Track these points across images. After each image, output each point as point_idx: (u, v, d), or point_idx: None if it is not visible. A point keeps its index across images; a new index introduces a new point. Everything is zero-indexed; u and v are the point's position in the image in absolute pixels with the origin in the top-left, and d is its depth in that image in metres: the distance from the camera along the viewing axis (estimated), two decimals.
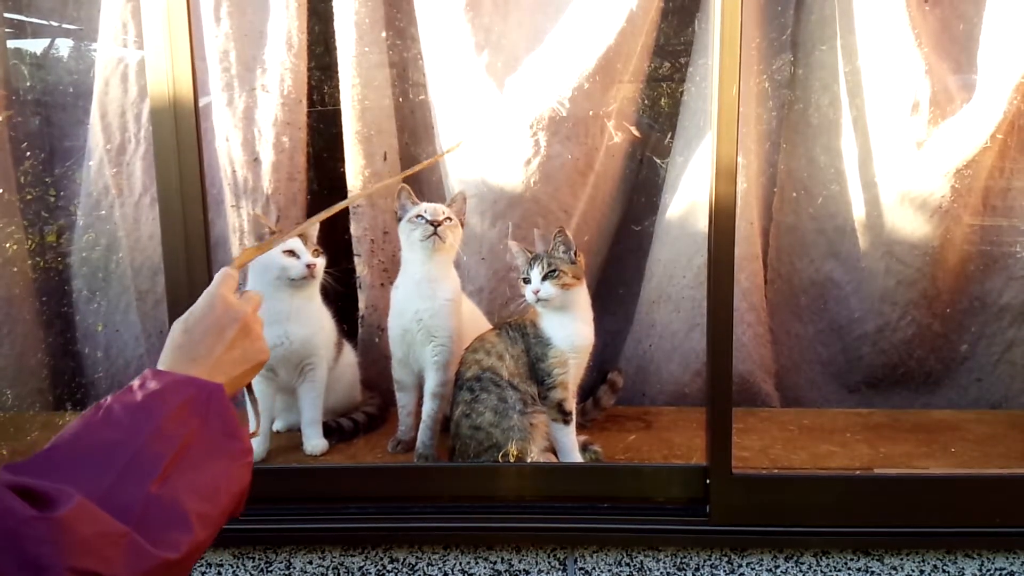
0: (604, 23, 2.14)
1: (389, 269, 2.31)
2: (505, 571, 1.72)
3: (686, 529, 1.67)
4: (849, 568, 1.67)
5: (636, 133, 2.40)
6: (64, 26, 2.48)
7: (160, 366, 0.90)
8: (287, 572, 1.74)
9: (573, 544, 1.70)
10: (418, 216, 1.90)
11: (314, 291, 1.98)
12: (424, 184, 2.40)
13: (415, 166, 1.55)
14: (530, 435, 1.80)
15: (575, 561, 1.71)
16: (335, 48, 2.22)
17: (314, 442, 1.99)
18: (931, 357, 2.39)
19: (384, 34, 2.27)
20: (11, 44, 2.49)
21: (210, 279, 0.99)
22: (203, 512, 0.80)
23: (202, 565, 1.75)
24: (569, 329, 1.84)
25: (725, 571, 1.69)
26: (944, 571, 1.67)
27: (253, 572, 1.74)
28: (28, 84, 2.53)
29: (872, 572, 1.67)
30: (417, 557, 1.72)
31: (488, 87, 2.19)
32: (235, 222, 2.30)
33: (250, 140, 2.25)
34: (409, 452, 1.96)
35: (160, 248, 1.70)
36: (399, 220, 1.95)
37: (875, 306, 2.35)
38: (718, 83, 1.56)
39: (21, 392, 2.39)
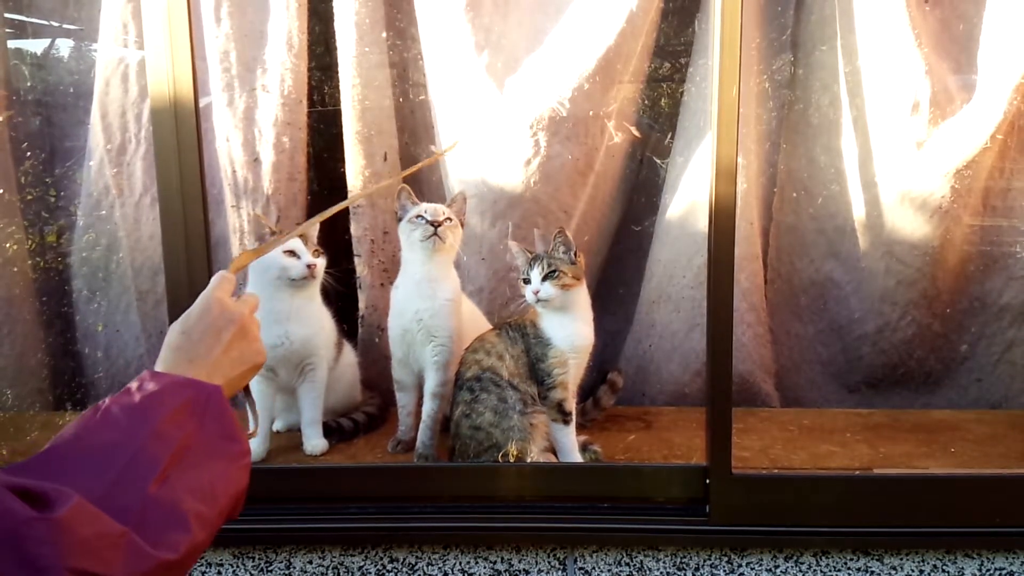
0: (604, 23, 2.14)
1: (389, 269, 2.31)
2: (505, 571, 1.72)
3: (686, 529, 1.67)
4: (849, 568, 1.68)
5: (636, 133, 2.40)
6: (65, 26, 2.48)
7: (158, 368, 0.90)
8: (287, 572, 1.74)
9: (573, 544, 1.70)
10: (418, 216, 1.90)
11: (314, 291, 1.99)
12: (424, 184, 2.40)
13: (413, 166, 1.55)
14: (530, 435, 1.80)
15: (575, 561, 1.71)
16: (335, 48, 2.22)
17: (314, 442, 1.99)
18: (931, 357, 2.39)
19: (384, 34, 2.27)
20: (12, 44, 2.49)
21: (210, 279, 0.99)
22: (201, 513, 0.81)
23: (202, 565, 1.75)
24: (569, 329, 1.84)
25: (725, 571, 1.69)
26: (944, 571, 1.67)
27: (253, 572, 1.74)
28: (29, 84, 2.53)
29: (872, 572, 1.67)
30: (417, 557, 1.72)
31: (488, 87, 2.20)
32: (235, 222, 2.30)
33: (250, 140, 2.25)
34: (409, 452, 1.96)
35: (160, 248, 1.70)
36: (399, 220, 1.95)
37: (875, 306, 2.35)
38: (718, 83, 1.56)
39: (21, 392, 2.39)
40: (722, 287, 1.62)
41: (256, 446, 1.94)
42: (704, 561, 1.69)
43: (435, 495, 1.75)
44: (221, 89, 2.22)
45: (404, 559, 1.73)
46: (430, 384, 1.95)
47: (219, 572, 1.75)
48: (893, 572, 1.67)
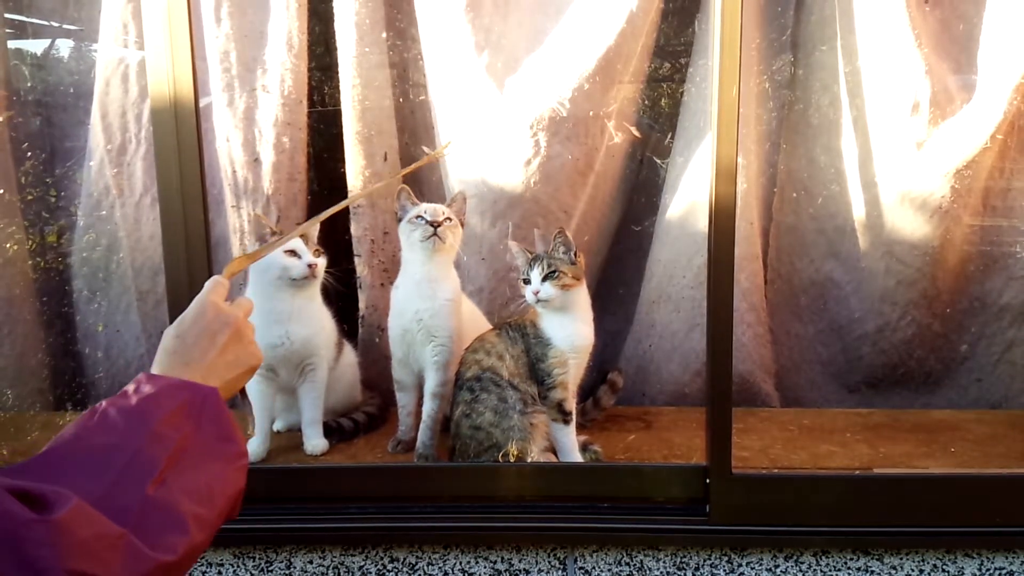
0: (604, 24, 2.14)
1: (389, 269, 2.31)
2: (505, 571, 1.72)
3: (686, 529, 1.68)
4: (849, 568, 1.68)
5: (636, 133, 2.40)
6: (65, 26, 2.48)
7: (154, 371, 0.91)
8: (287, 572, 1.74)
9: (573, 544, 1.70)
10: (418, 217, 1.90)
11: (315, 291, 1.99)
12: (424, 184, 2.41)
13: (410, 166, 1.55)
14: (530, 435, 1.80)
15: (575, 561, 1.71)
16: (335, 49, 2.22)
17: (314, 442, 1.99)
18: (931, 357, 2.39)
19: (384, 35, 2.27)
20: (12, 44, 2.49)
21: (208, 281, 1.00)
22: (199, 514, 0.81)
23: (202, 564, 1.75)
24: (569, 329, 1.84)
25: (725, 571, 1.69)
26: (944, 571, 1.67)
27: (253, 572, 1.74)
28: (29, 84, 2.53)
29: (872, 572, 1.67)
30: (417, 557, 1.72)
31: (488, 87, 2.20)
32: (235, 222, 2.30)
33: (250, 140, 2.25)
34: (409, 452, 1.96)
35: (161, 248, 1.70)
36: (399, 221, 1.95)
37: (875, 306, 2.35)
38: (718, 84, 1.56)
39: (21, 392, 2.40)
40: (722, 287, 1.62)
41: (256, 446, 1.94)
42: (704, 561, 1.69)
43: (435, 495, 1.75)
44: (221, 89, 2.23)
45: (404, 559, 1.73)
46: (430, 384, 1.95)
47: (219, 572, 1.75)
48: (893, 572, 1.67)
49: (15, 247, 2.39)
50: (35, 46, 2.54)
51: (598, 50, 2.14)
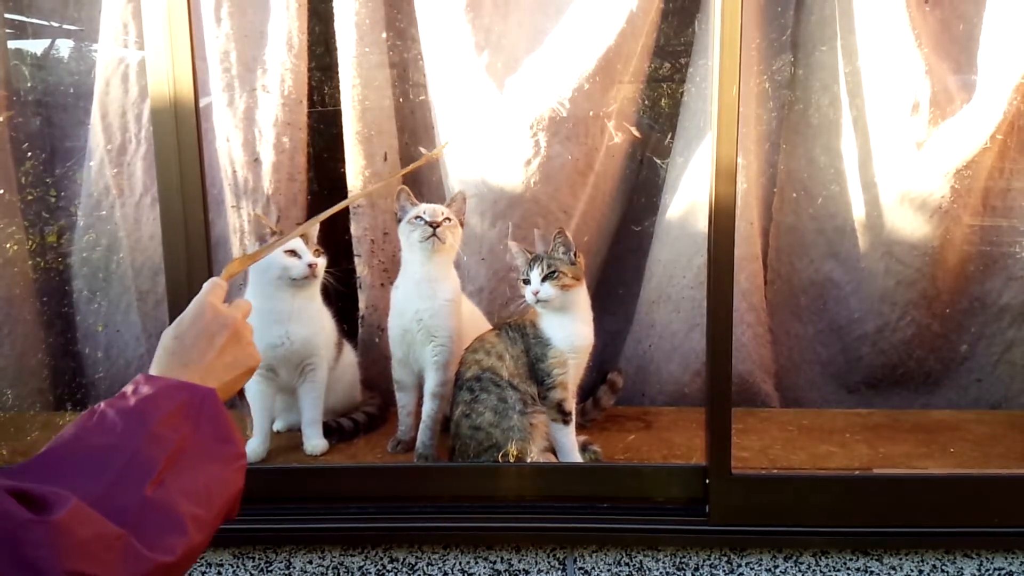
0: (604, 24, 2.14)
1: (389, 269, 2.31)
2: (505, 571, 1.72)
3: (686, 529, 1.68)
4: (848, 568, 1.68)
5: (636, 133, 2.40)
6: (65, 27, 2.48)
7: (152, 372, 0.91)
8: (287, 572, 1.74)
9: (573, 544, 1.70)
10: (417, 217, 1.90)
11: (315, 291, 1.99)
12: (424, 185, 2.41)
13: (408, 166, 1.55)
14: (530, 435, 1.80)
15: (575, 561, 1.71)
16: (335, 49, 2.22)
17: (314, 442, 1.99)
18: (931, 357, 2.39)
19: (384, 35, 2.27)
20: (12, 44, 2.49)
21: (211, 278, 1.00)
22: (197, 515, 0.81)
23: (202, 564, 1.75)
24: (569, 330, 1.84)
25: (724, 571, 1.69)
26: (943, 571, 1.67)
27: (253, 572, 1.75)
28: (29, 85, 2.53)
29: (871, 572, 1.68)
30: (417, 557, 1.72)
31: (488, 87, 2.20)
32: (235, 222, 2.30)
33: (251, 140, 2.25)
34: (409, 452, 1.96)
35: (161, 248, 1.70)
36: (399, 222, 1.95)
37: (875, 306, 2.35)
38: (718, 84, 1.56)
39: (21, 392, 2.40)
40: (722, 287, 1.62)
41: (256, 446, 1.94)
42: (704, 561, 1.69)
43: (435, 495, 1.75)
44: (221, 89, 2.23)
45: (404, 559, 1.73)
46: (430, 384, 1.96)
47: (219, 572, 1.75)
48: (892, 572, 1.67)
49: (15, 247, 2.39)
50: (35, 46, 2.54)
51: (598, 50, 2.14)
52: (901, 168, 2.23)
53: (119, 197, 2.35)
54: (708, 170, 1.61)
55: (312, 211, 2.35)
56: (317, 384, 2.01)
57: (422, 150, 2.34)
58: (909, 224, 2.27)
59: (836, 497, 1.69)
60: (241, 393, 1.06)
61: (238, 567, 1.75)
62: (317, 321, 2.01)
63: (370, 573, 1.73)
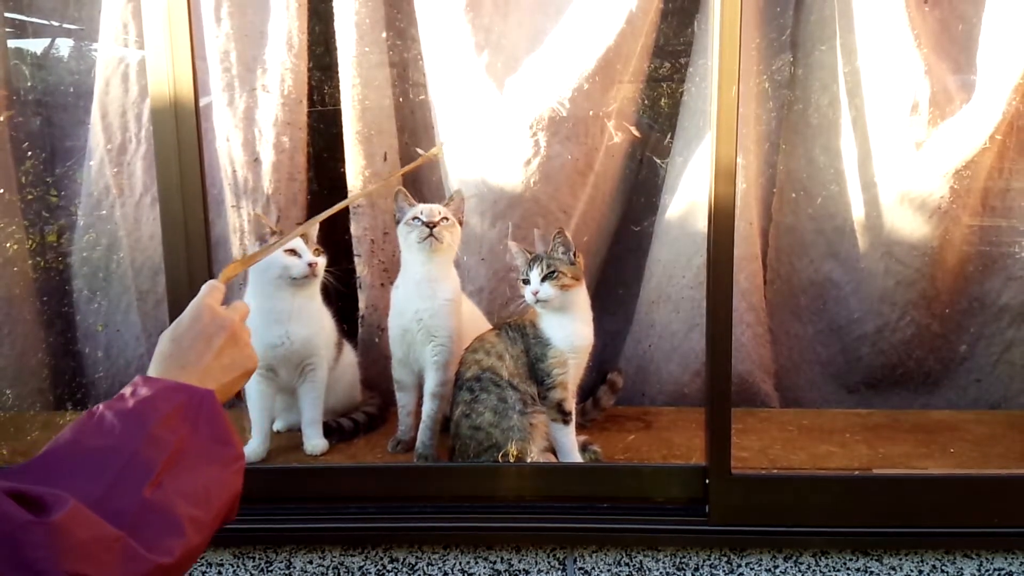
0: (604, 24, 2.14)
1: (389, 269, 2.31)
2: (505, 571, 1.72)
3: (685, 529, 1.68)
4: (848, 568, 1.68)
5: (636, 133, 2.40)
6: (65, 26, 2.48)
7: (150, 374, 0.91)
8: (287, 572, 1.74)
9: (573, 544, 1.70)
10: (414, 218, 1.90)
11: (315, 291, 1.99)
12: (424, 185, 2.41)
13: (407, 166, 1.55)
14: (530, 435, 1.80)
15: (575, 561, 1.71)
16: (335, 48, 2.22)
17: (314, 442, 1.99)
18: (930, 357, 2.39)
19: (384, 34, 2.27)
20: (12, 44, 2.49)
21: (211, 279, 1.00)
22: (196, 517, 0.81)
23: (202, 565, 1.75)
24: (568, 329, 1.84)
25: (724, 571, 1.69)
26: (943, 571, 1.67)
27: (253, 572, 1.75)
28: (29, 84, 2.53)
29: (871, 572, 1.68)
30: (417, 557, 1.73)
31: (488, 87, 2.20)
32: (235, 222, 2.30)
33: (250, 140, 2.25)
34: (409, 452, 1.97)
35: (161, 248, 1.70)
36: (397, 223, 1.95)
37: (874, 307, 2.35)
38: (718, 84, 1.56)
39: (21, 392, 2.40)
40: (721, 287, 1.62)
41: (256, 446, 1.94)
42: (704, 561, 1.69)
43: (435, 495, 1.75)
44: (221, 89, 2.23)
45: (404, 559, 1.73)
46: (430, 384, 1.96)
47: (219, 572, 1.75)
48: (892, 572, 1.68)
49: (15, 247, 2.39)
50: (35, 46, 2.54)
51: (598, 50, 2.14)
52: (900, 168, 2.23)
53: (119, 197, 2.35)
54: (707, 170, 1.61)
55: (312, 211, 2.35)
56: (317, 384, 2.01)
57: (419, 151, 2.34)
58: (908, 224, 2.27)
59: (836, 497, 1.69)
60: (240, 394, 1.06)
61: (238, 567, 1.75)
62: (317, 321, 2.01)
63: (370, 573, 1.73)
